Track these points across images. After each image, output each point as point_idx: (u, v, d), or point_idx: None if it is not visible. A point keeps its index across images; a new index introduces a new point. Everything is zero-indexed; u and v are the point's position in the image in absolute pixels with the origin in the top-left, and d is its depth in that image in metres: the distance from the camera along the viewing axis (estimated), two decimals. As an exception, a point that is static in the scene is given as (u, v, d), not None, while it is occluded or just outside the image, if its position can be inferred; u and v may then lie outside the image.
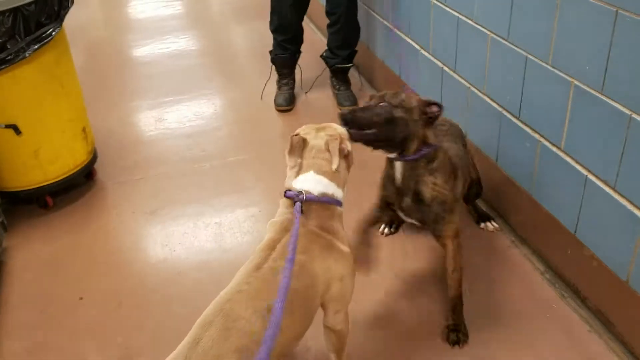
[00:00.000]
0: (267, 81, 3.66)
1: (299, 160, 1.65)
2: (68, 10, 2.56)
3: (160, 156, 3.17)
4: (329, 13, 3.37)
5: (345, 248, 1.61)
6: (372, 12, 3.42)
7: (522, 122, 2.19)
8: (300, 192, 1.59)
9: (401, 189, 1.88)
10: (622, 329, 1.90)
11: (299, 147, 1.65)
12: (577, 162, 1.94)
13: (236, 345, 1.31)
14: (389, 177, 1.92)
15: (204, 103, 3.72)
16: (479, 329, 2.01)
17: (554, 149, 2.03)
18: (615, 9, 1.64)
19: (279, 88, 3.58)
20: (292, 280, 1.41)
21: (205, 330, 1.35)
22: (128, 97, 3.88)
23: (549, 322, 2.03)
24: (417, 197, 1.86)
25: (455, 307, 1.98)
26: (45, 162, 2.62)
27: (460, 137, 2.25)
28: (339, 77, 3.52)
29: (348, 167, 1.70)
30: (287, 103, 3.53)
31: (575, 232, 2.01)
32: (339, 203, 1.65)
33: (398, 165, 1.85)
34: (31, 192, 2.67)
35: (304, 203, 1.57)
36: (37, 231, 2.64)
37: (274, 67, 3.61)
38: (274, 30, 3.46)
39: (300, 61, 3.64)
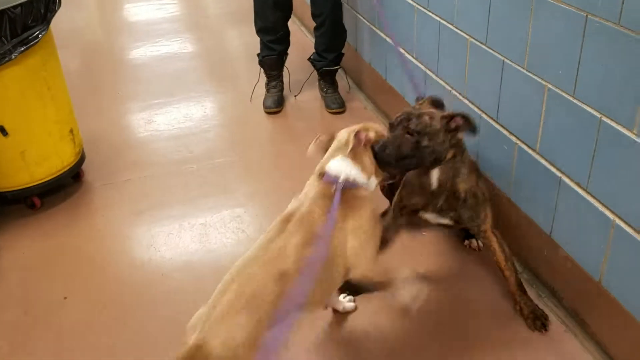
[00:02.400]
0: (256, 84, 3.69)
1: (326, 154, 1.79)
2: (55, 12, 2.58)
3: (148, 158, 3.20)
4: (314, 15, 3.41)
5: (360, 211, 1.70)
6: (359, 16, 3.45)
7: (500, 124, 2.22)
8: (337, 176, 1.69)
9: (435, 192, 1.94)
10: (596, 329, 1.92)
11: (325, 143, 1.81)
12: (551, 164, 1.97)
13: (248, 309, 1.46)
14: (414, 185, 1.99)
15: (194, 105, 3.74)
16: (453, 327, 2.04)
17: (530, 151, 2.06)
18: (585, 14, 1.67)
19: (268, 90, 3.62)
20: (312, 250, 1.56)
21: (222, 295, 1.50)
22: (119, 99, 3.91)
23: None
24: (454, 195, 1.93)
25: (523, 293, 2.03)
26: (32, 163, 2.65)
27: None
28: (327, 79, 3.55)
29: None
30: (275, 105, 3.56)
31: (550, 233, 2.04)
32: (361, 185, 1.73)
33: (434, 172, 1.91)
34: (18, 192, 2.69)
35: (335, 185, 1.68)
36: (24, 231, 2.67)
37: (262, 69, 3.64)
38: (258, 30, 3.49)
39: (289, 64, 3.67)
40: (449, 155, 1.86)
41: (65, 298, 2.29)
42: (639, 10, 1.48)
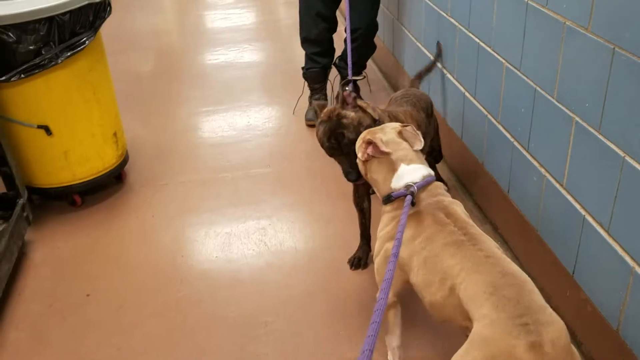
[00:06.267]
0: (299, 96, 3.71)
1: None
2: (104, 20, 2.70)
3: (187, 164, 3.28)
4: (350, 31, 3.40)
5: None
6: (403, 27, 3.41)
7: (530, 154, 2.12)
8: (408, 186, 1.66)
9: None
10: (613, 381, 1.79)
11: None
12: (576, 200, 1.86)
13: None
14: None
15: (239, 115, 3.81)
16: None
17: (557, 185, 1.96)
18: (612, 47, 1.57)
19: (310, 103, 3.63)
20: None
21: None
22: (172, 105, 4.03)
23: (540, 365, 1.94)
24: None
25: None
26: (74, 163, 2.77)
27: (424, 106, 2.49)
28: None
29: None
30: (316, 118, 3.56)
31: (573, 273, 1.92)
32: (434, 177, 1.74)
33: None
34: (60, 190, 2.82)
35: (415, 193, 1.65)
36: (62, 227, 2.79)
37: (306, 82, 3.65)
38: (302, 42, 3.52)
39: (332, 77, 3.68)
40: None
41: (87, 295, 2.37)
42: (666, 45, 1.38)
